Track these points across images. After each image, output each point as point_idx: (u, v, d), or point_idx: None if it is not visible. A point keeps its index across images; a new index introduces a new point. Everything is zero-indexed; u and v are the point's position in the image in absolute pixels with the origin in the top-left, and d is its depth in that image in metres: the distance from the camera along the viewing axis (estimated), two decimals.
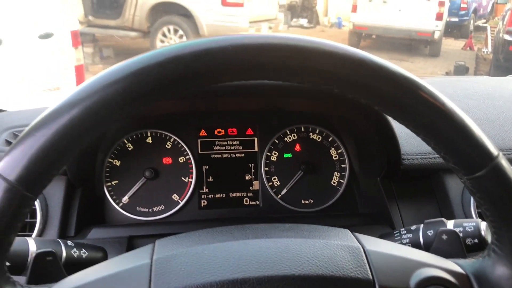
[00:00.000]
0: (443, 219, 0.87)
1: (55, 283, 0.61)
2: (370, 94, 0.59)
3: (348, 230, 0.69)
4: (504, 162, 0.59)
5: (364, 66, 0.57)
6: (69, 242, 0.86)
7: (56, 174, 0.56)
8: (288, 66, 0.57)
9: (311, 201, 1.33)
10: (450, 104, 0.59)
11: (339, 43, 0.59)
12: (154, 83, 0.55)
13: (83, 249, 0.86)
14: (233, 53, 0.56)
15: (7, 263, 0.74)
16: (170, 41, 8.41)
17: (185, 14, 8.26)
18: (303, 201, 1.32)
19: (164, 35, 8.46)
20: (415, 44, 10.99)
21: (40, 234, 1.08)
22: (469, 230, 0.82)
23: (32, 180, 0.53)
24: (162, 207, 1.27)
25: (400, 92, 0.58)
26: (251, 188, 1.33)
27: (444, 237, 0.78)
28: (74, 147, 0.55)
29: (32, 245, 0.79)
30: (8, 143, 1.21)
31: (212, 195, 1.31)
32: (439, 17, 10.29)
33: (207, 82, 0.58)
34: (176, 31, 8.38)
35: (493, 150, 0.59)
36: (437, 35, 10.38)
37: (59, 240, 0.85)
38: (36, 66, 4.27)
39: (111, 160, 1.27)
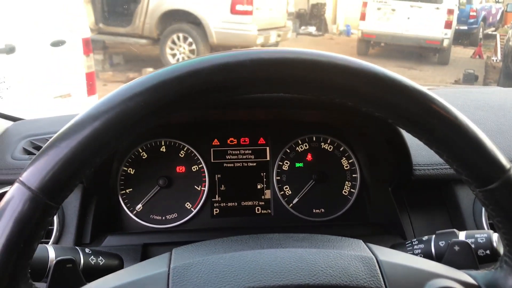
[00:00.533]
0: (455, 230, 0.88)
1: None
2: (383, 107, 0.60)
3: (361, 241, 0.70)
4: None
5: (378, 80, 0.59)
6: (87, 250, 0.88)
7: (78, 184, 0.58)
8: (305, 81, 0.59)
9: (322, 210, 1.33)
10: (462, 118, 0.60)
11: (353, 58, 0.61)
12: (173, 96, 0.56)
13: (100, 257, 0.88)
14: (251, 67, 0.57)
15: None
16: (179, 49, 8.46)
17: (195, 21, 8.30)
18: (314, 210, 1.33)
19: (173, 42, 8.50)
20: (424, 52, 10.96)
21: (57, 241, 1.10)
22: (481, 241, 0.83)
23: (55, 189, 0.55)
24: (175, 215, 1.29)
25: (413, 106, 0.59)
26: (263, 197, 1.34)
27: (456, 248, 0.78)
28: (96, 158, 0.57)
29: (51, 252, 0.80)
30: (26, 151, 1.23)
31: (224, 204, 1.33)
32: (448, 25, 10.27)
33: (225, 96, 0.59)
34: (185, 38, 8.43)
35: (505, 163, 0.60)
36: (446, 43, 10.36)
37: (77, 247, 0.87)
38: (48, 73, 4.31)
39: (126, 169, 1.29)
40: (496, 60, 9.03)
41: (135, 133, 0.58)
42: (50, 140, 0.56)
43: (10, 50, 3.89)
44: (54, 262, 0.70)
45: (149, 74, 0.58)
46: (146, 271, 0.63)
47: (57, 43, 4.38)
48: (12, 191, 0.55)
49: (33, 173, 0.55)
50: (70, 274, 0.71)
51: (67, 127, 0.56)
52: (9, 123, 1.35)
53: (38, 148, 1.24)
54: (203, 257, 0.64)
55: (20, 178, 0.55)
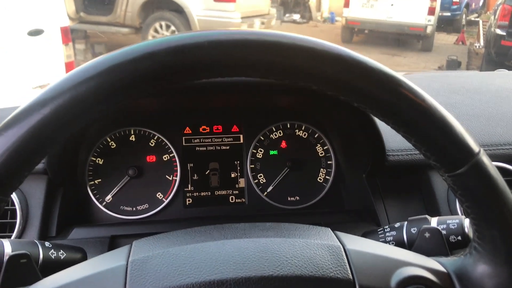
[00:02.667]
0: (427, 216, 0.87)
1: (29, 286, 0.60)
2: (347, 90, 0.58)
3: (329, 229, 0.68)
4: (485, 159, 0.58)
5: (341, 62, 0.56)
6: (47, 243, 0.84)
7: (28, 175, 0.55)
8: (266, 64, 0.56)
9: (297, 198, 1.32)
10: (430, 100, 0.58)
11: (317, 39, 0.58)
12: (128, 80, 0.53)
13: (61, 250, 0.85)
14: (209, 50, 0.54)
15: None
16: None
17: (177, 9, 8.23)
18: (289, 198, 1.32)
19: (156, 31, 8.42)
20: (407, 39, 11.01)
21: (20, 234, 1.07)
22: (453, 227, 0.82)
23: (2, 181, 0.52)
24: (146, 205, 1.26)
25: (378, 88, 0.57)
26: (237, 186, 1.32)
27: (427, 235, 0.77)
28: (46, 147, 0.53)
29: (7, 247, 0.77)
30: None
31: (197, 193, 1.30)
32: (431, 11, 10.31)
33: (182, 80, 0.56)
34: (168, 26, 8.35)
35: (474, 146, 0.58)
36: (429, 29, 10.41)
37: (36, 241, 0.83)
38: (26, 63, 4.23)
39: (94, 159, 1.25)
40: (479, 46, 9.11)
41: (88, 120, 0.55)
42: None
43: None
44: (7, 257, 0.67)
45: (102, 56, 0.54)
46: (104, 264, 0.61)
47: (34, 32, 4.31)
48: None
49: None
50: (24, 270, 0.68)
51: (14, 115, 0.53)
52: None
53: None
54: (164, 249, 0.61)
55: None
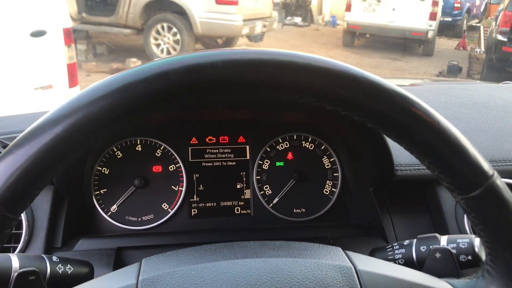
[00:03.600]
0: (436, 234, 0.86)
1: None
2: (361, 112, 0.58)
3: (340, 249, 0.67)
4: (499, 182, 0.58)
5: (357, 83, 0.56)
6: (54, 258, 0.84)
7: (38, 194, 0.54)
8: (281, 84, 0.55)
9: (303, 210, 1.31)
10: (445, 123, 0.58)
11: (331, 59, 0.58)
12: (140, 99, 0.53)
13: (69, 265, 0.84)
14: (222, 69, 0.54)
15: None
16: (164, 39, 8.39)
17: (179, 11, 8.23)
18: (295, 210, 1.31)
19: (158, 32, 8.43)
20: (408, 44, 11.03)
21: (26, 245, 1.06)
22: (463, 246, 0.81)
23: (13, 200, 0.51)
24: (151, 216, 1.25)
25: (392, 110, 0.57)
26: (242, 197, 1.31)
27: (438, 255, 0.76)
28: (57, 166, 0.53)
29: (15, 261, 0.76)
30: None
31: (202, 204, 1.29)
32: (432, 16, 10.34)
33: (195, 98, 0.56)
34: (170, 28, 8.36)
35: (488, 169, 0.58)
36: (430, 34, 10.44)
37: (43, 256, 0.83)
38: (28, 64, 4.23)
39: (100, 168, 1.25)
40: (480, 52, 9.11)
41: (101, 138, 0.54)
42: (8, 146, 0.52)
43: None
44: (16, 274, 0.66)
45: (114, 75, 0.54)
46: (114, 283, 0.60)
47: (37, 34, 4.30)
48: None
49: None
50: (33, 287, 0.68)
51: (26, 133, 0.52)
52: None
53: (6, 147, 1.19)
54: (174, 268, 0.61)
55: None
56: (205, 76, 0.53)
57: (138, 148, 1.27)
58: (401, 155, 1.12)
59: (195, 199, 1.29)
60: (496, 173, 0.58)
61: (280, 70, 0.55)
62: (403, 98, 0.57)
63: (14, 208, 0.52)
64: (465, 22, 12.71)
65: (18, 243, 1.05)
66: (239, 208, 1.31)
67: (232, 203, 1.31)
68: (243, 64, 0.54)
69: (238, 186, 1.31)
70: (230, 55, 0.55)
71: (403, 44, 10.95)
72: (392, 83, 0.58)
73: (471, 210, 0.59)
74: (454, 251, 0.79)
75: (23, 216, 1.06)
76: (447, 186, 0.60)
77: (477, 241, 0.81)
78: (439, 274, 0.68)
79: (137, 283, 0.58)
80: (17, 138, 0.52)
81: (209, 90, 0.55)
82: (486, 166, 0.58)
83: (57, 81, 4.50)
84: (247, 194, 1.31)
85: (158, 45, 8.43)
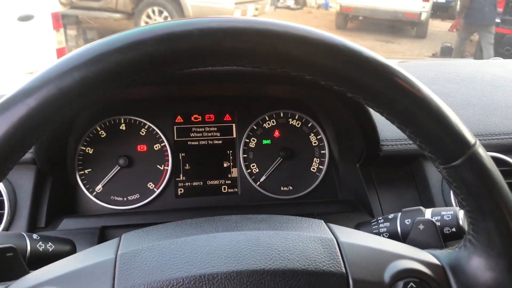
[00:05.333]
0: (421, 207, 0.86)
1: (15, 280, 0.58)
2: (340, 80, 0.56)
3: (322, 221, 0.67)
4: (481, 151, 0.57)
5: (336, 51, 0.54)
6: (35, 235, 0.83)
7: (12, 167, 0.53)
8: (257, 52, 0.54)
9: (290, 188, 1.31)
10: (426, 91, 0.56)
11: (311, 27, 0.56)
12: (113, 70, 0.51)
13: (50, 242, 0.83)
14: (197, 38, 0.52)
15: None
16: (155, 23, 8.30)
17: None
18: (282, 188, 1.31)
19: (148, 16, 8.34)
20: (401, 26, 10.98)
21: (8, 225, 1.05)
22: (447, 218, 0.81)
23: None
24: (137, 196, 1.25)
25: (373, 79, 0.55)
26: (229, 176, 1.30)
27: (421, 227, 0.76)
28: (31, 139, 0.52)
29: None
30: None
31: (189, 183, 1.29)
32: None
33: (171, 69, 0.54)
34: (160, 12, 8.27)
35: (470, 138, 0.57)
36: (424, 16, 10.38)
37: (23, 233, 0.82)
38: (16, 49, 4.19)
39: (84, 148, 1.23)
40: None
41: (74, 110, 0.53)
42: None
43: None
44: None
45: (87, 45, 0.52)
46: (93, 258, 0.59)
47: (24, 18, 4.25)
48: None
49: None
50: (11, 263, 0.66)
51: None
52: None
53: None
54: (153, 242, 0.60)
55: None
56: (180, 45, 0.52)
57: (122, 127, 1.25)
58: (387, 130, 1.12)
59: (181, 178, 1.28)
60: (478, 142, 0.57)
61: (257, 38, 0.53)
62: (383, 66, 0.56)
63: None
64: (458, 3, 12.64)
65: (0, 224, 1.04)
66: (226, 187, 1.30)
67: (219, 182, 1.30)
68: (218, 33, 0.53)
69: (225, 165, 1.30)
70: (206, 23, 0.53)
71: (396, 26, 10.90)
72: (373, 52, 0.57)
73: (452, 180, 0.59)
74: (438, 223, 0.78)
75: (4, 196, 1.05)
76: (429, 156, 0.59)
77: (461, 213, 0.81)
78: (422, 246, 0.67)
79: (115, 258, 0.57)
80: None
81: (184, 59, 0.53)
82: (468, 135, 0.57)
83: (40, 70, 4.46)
84: (234, 172, 1.30)
85: None
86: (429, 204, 1.09)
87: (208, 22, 0.53)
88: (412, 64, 1.79)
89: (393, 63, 0.57)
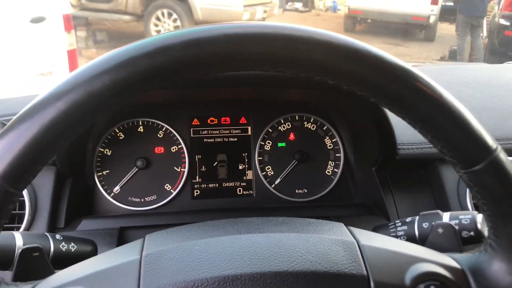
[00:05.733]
0: (439, 211, 0.86)
1: (42, 280, 0.59)
2: (364, 85, 0.57)
3: (343, 224, 0.67)
4: (502, 156, 0.57)
5: (359, 56, 0.55)
6: (58, 236, 0.84)
7: (41, 169, 0.54)
8: (283, 58, 0.55)
9: (305, 190, 1.31)
10: (448, 96, 0.57)
11: (333, 33, 0.57)
12: (142, 74, 0.52)
13: (72, 243, 0.84)
14: (225, 43, 0.53)
15: None
16: (164, 25, 8.33)
17: None
18: (297, 191, 1.31)
19: (158, 18, 8.37)
20: (410, 29, 10.93)
21: (29, 226, 1.06)
22: (465, 222, 0.81)
23: (16, 175, 0.51)
24: (154, 197, 1.26)
25: (396, 84, 0.56)
26: (244, 178, 1.31)
27: (440, 230, 0.76)
28: (60, 141, 0.53)
29: (18, 239, 0.77)
30: None
31: (205, 185, 1.30)
32: (434, 1, 10.23)
33: (198, 73, 0.55)
34: (170, 14, 8.30)
35: (492, 143, 0.57)
36: (432, 19, 10.33)
37: (47, 234, 0.83)
38: (28, 50, 4.21)
39: (102, 149, 1.25)
40: (482, 36, 9.03)
41: (102, 114, 0.54)
42: (10, 122, 0.52)
43: None
44: (20, 251, 0.66)
45: (117, 49, 0.53)
46: (118, 259, 0.60)
47: (37, 20, 4.27)
48: None
49: None
50: (37, 263, 0.68)
51: (28, 108, 0.52)
52: None
53: None
54: (177, 243, 0.61)
55: None
56: (207, 50, 0.53)
57: (140, 129, 1.27)
58: (403, 134, 1.12)
59: (197, 180, 1.29)
60: (499, 147, 0.58)
61: (283, 44, 0.54)
62: (406, 71, 0.56)
63: (16, 183, 0.52)
64: None
65: (21, 223, 1.05)
66: (241, 189, 1.31)
67: (234, 184, 1.31)
68: (245, 38, 0.54)
69: (240, 167, 1.31)
70: (233, 29, 0.54)
71: (404, 29, 10.86)
72: (395, 57, 0.57)
73: (474, 184, 0.59)
74: (456, 227, 0.78)
75: (26, 196, 1.07)
76: (449, 160, 0.60)
77: (479, 217, 0.81)
78: (441, 249, 0.67)
79: (140, 258, 0.58)
80: (20, 113, 0.52)
81: (211, 65, 0.54)
82: (489, 140, 0.57)
83: (57, 68, 4.48)
84: (249, 175, 1.31)
85: (158, 32, 8.36)
86: (445, 208, 1.10)
87: (235, 28, 0.54)
88: (426, 68, 1.79)
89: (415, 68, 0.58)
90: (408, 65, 0.57)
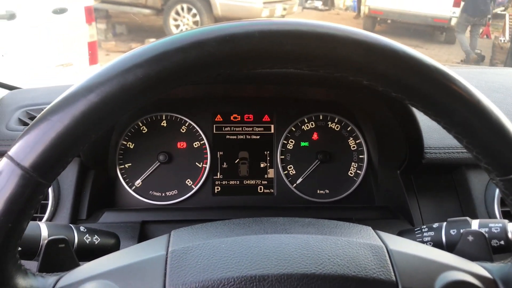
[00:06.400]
0: (468, 218, 0.84)
1: (67, 272, 0.59)
2: (401, 87, 0.56)
3: (371, 228, 0.66)
4: None
5: (396, 57, 0.54)
6: (82, 228, 0.84)
7: (71, 161, 0.54)
8: (318, 56, 0.54)
9: (327, 191, 1.30)
10: (486, 101, 0.56)
11: (371, 33, 0.56)
12: (175, 68, 0.52)
13: (96, 235, 0.84)
14: (259, 40, 0.52)
15: (19, 248, 0.73)
16: (183, 20, 8.35)
17: None
18: (318, 191, 1.30)
19: (177, 13, 8.39)
20: (430, 31, 10.81)
21: (52, 216, 1.07)
22: (495, 231, 0.79)
23: (46, 166, 0.51)
24: (175, 191, 1.26)
25: (433, 86, 0.55)
26: (266, 176, 1.31)
27: (470, 238, 0.74)
28: (91, 133, 0.52)
29: (44, 230, 0.77)
30: (21, 122, 1.19)
31: (226, 182, 1.29)
32: (456, 3, 10.08)
33: (231, 69, 0.54)
34: (189, 9, 8.31)
35: None
36: (453, 21, 10.19)
37: (71, 225, 0.83)
38: (49, 41, 4.25)
39: (125, 143, 1.25)
40: (504, 40, 8.90)
41: (134, 107, 0.54)
42: (42, 113, 0.52)
43: (11, 16, 3.83)
44: (46, 241, 0.66)
45: (150, 43, 0.53)
46: (144, 254, 0.60)
47: (59, 11, 4.31)
48: (0, 166, 0.51)
49: (23, 148, 0.50)
50: (62, 254, 0.68)
51: (60, 99, 0.52)
52: (5, 92, 1.30)
53: (34, 119, 1.19)
54: (204, 240, 0.60)
55: (9, 153, 0.50)
56: (241, 46, 0.52)
57: (163, 123, 1.27)
58: (431, 138, 1.10)
59: (218, 177, 1.29)
60: None
61: (318, 42, 0.53)
62: (443, 74, 0.55)
63: (47, 174, 0.51)
64: (490, 9, 12.41)
65: (44, 214, 1.06)
66: (262, 187, 1.30)
67: (255, 182, 1.30)
68: (280, 36, 0.53)
69: (262, 165, 1.31)
70: (268, 25, 0.53)
71: (425, 31, 10.74)
72: (433, 60, 0.56)
73: (510, 192, 0.57)
74: (486, 235, 0.77)
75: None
76: (485, 167, 0.58)
77: (510, 226, 0.80)
78: (471, 258, 0.66)
79: (166, 254, 0.58)
80: (52, 104, 0.51)
81: (244, 61, 0.54)
82: None
83: (77, 59, 4.52)
84: (271, 173, 1.31)
85: (177, 26, 8.40)
86: (472, 215, 1.08)
87: (270, 25, 0.53)
88: (455, 71, 1.76)
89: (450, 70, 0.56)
90: (445, 68, 0.56)
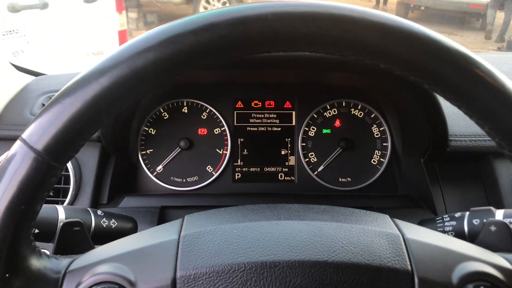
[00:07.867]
0: (491, 208, 0.81)
1: (81, 255, 0.60)
2: (418, 70, 0.53)
3: (388, 216, 0.64)
4: None
5: (416, 39, 0.52)
6: (99, 212, 0.85)
7: (84, 144, 0.54)
8: (334, 39, 0.52)
9: (349, 179, 1.28)
10: (510, 85, 0.53)
11: (388, 14, 0.54)
12: (187, 51, 0.51)
13: (113, 219, 0.85)
14: (272, 22, 0.51)
15: (37, 230, 0.74)
16: (213, 8, 8.35)
17: None
18: (340, 179, 1.28)
19: (207, 1, 8.39)
20: (466, 17, 10.53)
21: (73, 200, 1.09)
22: None
23: (59, 149, 0.51)
24: (195, 178, 1.26)
25: (453, 70, 0.52)
26: (286, 163, 1.29)
27: (493, 228, 0.72)
28: (103, 117, 0.52)
29: (61, 213, 0.78)
30: None
31: (246, 169, 1.29)
32: None
33: (243, 52, 0.53)
34: None
35: None
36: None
37: (88, 209, 0.84)
38: (81, 30, 4.32)
39: (147, 129, 1.26)
40: None
41: (145, 91, 0.53)
42: (55, 96, 0.52)
43: (44, 6, 3.91)
44: (61, 224, 0.67)
45: (160, 26, 0.52)
46: (156, 238, 0.60)
47: (90, 0, 4.37)
48: (14, 149, 0.51)
49: (36, 132, 0.51)
50: (77, 237, 0.68)
51: (72, 83, 0.52)
52: (30, 78, 1.33)
53: None
54: (216, 225, 0.60)
55: (23, 136, 0.51)
56: (254, 29, 0.51)
57: (184, 109, 1.27)
58: (456, 125, 1.07)
59: (239, 163, 1.29)
60: None
61: (333, 24, 0.51)
62: (465, 57, 0.52)
63: (59, 157, 0.52)
64: None
65: (66, 198, 1.08)
66: (282, 174, 1.30)
67: (276, 169, 1.29)
68: (293, 17, 0.51)
69: (283, 152, 1.30)
70: (281, 7, 0.52)
71: (460, 17, 10.47)
72: (454, 42, 0.54)
73: None
74: (511, 225, 0.74)
75: (71, 171, 1.09)
76: (508, 155, 0.56)
77: None
78: (492, 248, 0.64)
79: (179, 238, 0.58)
80: (64, 87, 0.52)
81: (257, 44, 0.52)
82: None
83: (108, 47, 4.58)
84: (292, 160, 1.30)
85: None
86: (498, 205, 1.04)
87: (283, 7, 0.52)
88: (485, 56, 1.70)
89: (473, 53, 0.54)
90: (467, 50, 0.53)
